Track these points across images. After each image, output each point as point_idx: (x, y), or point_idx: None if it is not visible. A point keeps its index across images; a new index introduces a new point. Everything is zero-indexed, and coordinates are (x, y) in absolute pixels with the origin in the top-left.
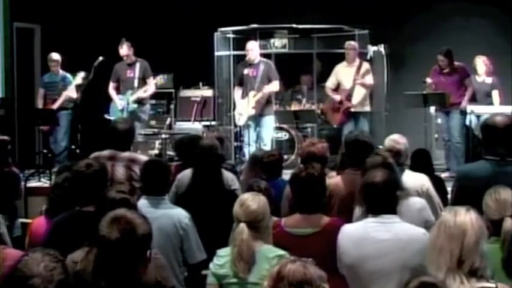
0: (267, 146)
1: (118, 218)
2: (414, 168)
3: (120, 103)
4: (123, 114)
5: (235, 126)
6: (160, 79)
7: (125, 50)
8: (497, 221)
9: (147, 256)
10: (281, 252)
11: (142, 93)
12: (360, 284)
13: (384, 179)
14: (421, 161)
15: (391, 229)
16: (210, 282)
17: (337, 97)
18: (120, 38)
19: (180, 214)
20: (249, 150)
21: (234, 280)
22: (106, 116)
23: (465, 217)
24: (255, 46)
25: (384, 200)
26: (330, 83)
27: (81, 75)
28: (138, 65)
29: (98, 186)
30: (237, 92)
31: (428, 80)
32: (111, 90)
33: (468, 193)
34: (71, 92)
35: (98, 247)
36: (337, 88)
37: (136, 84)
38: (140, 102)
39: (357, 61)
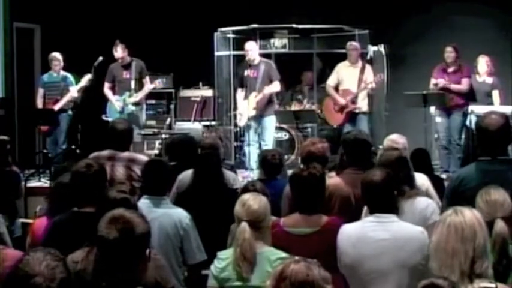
0: (269, 146)
1: (116, 218)
2: (413, 168)
3: (118, 104)
4: (121, 115)
5: (235, 126)
6: (159, 83)
7: (119, 52)
8: (488, 223)
9: (147, 255)
10: (283, 254)
11: (140, 96)
12: (359, 283)
13: (382, 178)
14: (420, 161)
15: (389, 228)
16: (210, 285)
17: (342, 101)
18: (120, 38)
19: (181, 214)
20: (249, 150)
21: (237, 283)
22: (103, 117)
23: (472, 218)
24: (254, 46)
25: (382, 199)
26: (331, 81)
27: (87, 77)
28: (133, 66)
29: (98, 187)
30: (240, 94)
31: (434, 81)
32: (107, 91)
33: (461, 197)
34: (73, 92)
35: (97, 247)
36: (337, 87)
37: (133, 85)
38: (137, 104)
39: (360, 62)
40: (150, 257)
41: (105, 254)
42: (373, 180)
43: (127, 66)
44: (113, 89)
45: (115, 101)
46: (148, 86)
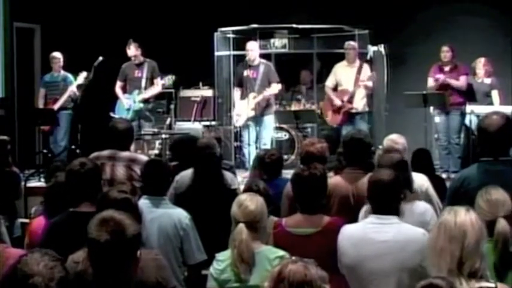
0: (267, 146)
1: (106, 220)
2: (414, 168)
3: (127, 102)
4: (129, 112)
5: (235, 126)
6: (169, 80)
7: (132, 51)
8: (490, 222)
9: (138, 256)
10: (282, 253)
11: (149, 94)
12: (360, 284)
13: (389, 180)
14: (422, 161)
15: (390, 230)
16: (210, 287)
17: (338, 102)
18: (120, 38)
19: (181, 214)
20: (249, 150)
21: (236, 285)
22: (111, 114)
23: (465, 218)
24: (255, 46)
25: (388, 200)
26: (330, 82)
27: (83, 75)
28: (146, 65)
29: (93, 185)
30: (237, 93)
31: (431, 82)
32: (118, 89)
33: (462, 198)
34: (72, 89)
35: (88, 249)
36: (335, 87)
37: (143, 84)
38: (146, 101)
39: (358, 62)
40: (141, 257)
41: (96, 256)
42: (382, 180)
43: (139, 66)
44: (124, 88)
45: (124, 99)
46: (159, 86)
